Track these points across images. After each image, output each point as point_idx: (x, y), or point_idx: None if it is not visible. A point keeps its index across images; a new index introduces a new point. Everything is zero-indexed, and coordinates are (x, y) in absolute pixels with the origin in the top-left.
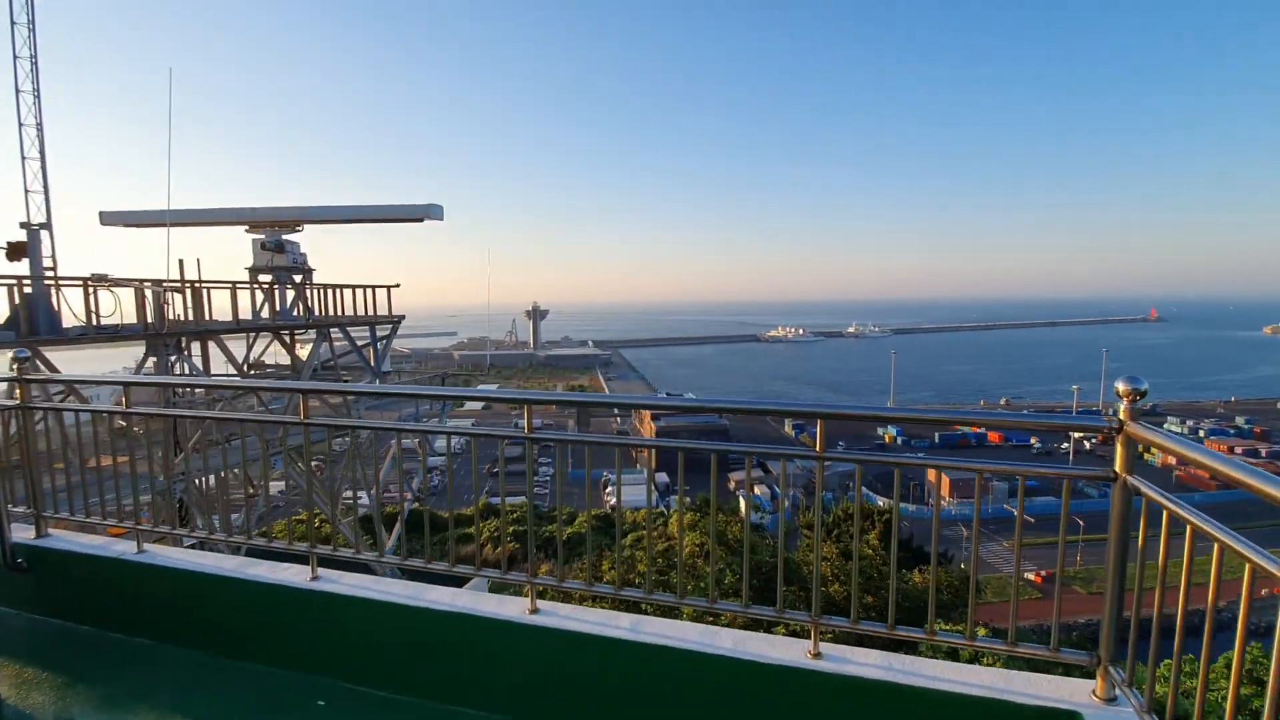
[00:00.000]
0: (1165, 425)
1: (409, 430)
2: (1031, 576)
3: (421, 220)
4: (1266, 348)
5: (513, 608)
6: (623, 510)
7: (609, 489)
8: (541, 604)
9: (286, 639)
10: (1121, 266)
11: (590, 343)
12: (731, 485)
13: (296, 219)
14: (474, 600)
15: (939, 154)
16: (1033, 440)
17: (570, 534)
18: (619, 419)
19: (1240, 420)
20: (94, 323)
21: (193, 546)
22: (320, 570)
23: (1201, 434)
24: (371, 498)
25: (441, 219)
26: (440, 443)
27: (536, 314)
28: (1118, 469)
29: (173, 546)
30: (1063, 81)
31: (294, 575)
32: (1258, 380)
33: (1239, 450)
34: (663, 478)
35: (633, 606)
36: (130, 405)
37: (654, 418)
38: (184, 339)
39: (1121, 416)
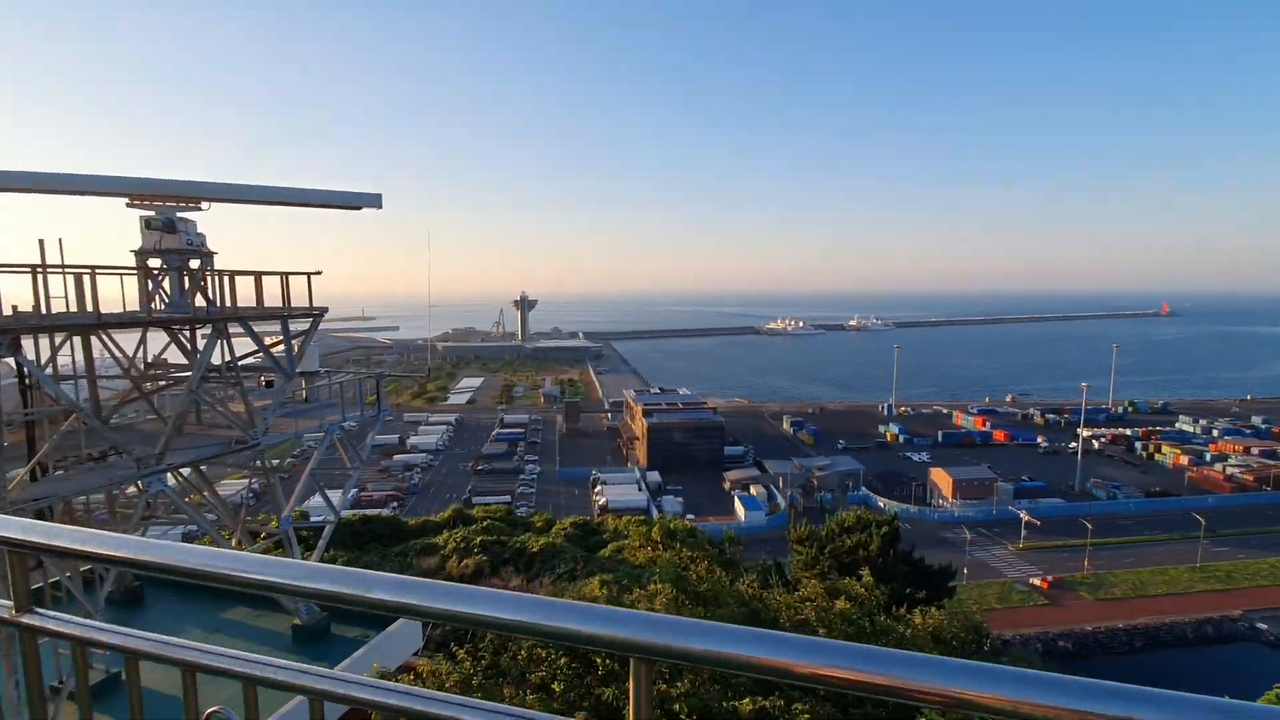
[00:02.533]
0: (1177, 425)
1: None
2: (1038, 582)
3: (359, 209)
4: None
5: None
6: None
7: (598, 487)
8: None
9: None
10: (1132, 259)
11: (581, 334)
12: (727, 485)
13: (194, 194)
14: None
15: (945, 146)
16: (1039, 439)
17: (544, 544)
18: (609, 415)
19: (1257, 420)
20: None
21: None
22: None
23: (1215, 433)
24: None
25: (380, 207)
26: (415, 439)
27: (524, 304)
28: None
29: None
30: (1071, 74)
31: None
32: (1274, 378)
33: (1256, 451)
34: (654, 476)
35: None
36: None
37: (645, 414)
38: (19, 336)
39: None
